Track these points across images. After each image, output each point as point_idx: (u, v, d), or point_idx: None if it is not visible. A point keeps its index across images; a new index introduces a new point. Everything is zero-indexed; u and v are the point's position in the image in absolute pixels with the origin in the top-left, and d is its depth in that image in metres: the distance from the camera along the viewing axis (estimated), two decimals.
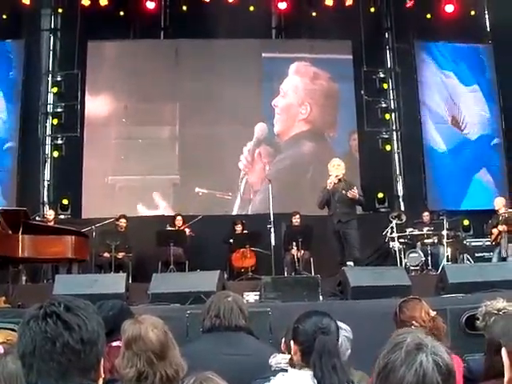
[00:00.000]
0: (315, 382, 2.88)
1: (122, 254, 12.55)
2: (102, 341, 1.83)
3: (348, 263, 9.72)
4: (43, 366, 1.73)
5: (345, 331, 3.67)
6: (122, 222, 13.05)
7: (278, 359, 3.34)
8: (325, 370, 2.85)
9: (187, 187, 14.92)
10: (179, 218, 13.32)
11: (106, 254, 12.37)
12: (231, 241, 13.21)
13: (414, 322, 3.99)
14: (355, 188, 10.32)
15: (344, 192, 10.16)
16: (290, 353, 3.35)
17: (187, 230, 13.06)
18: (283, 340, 3.59)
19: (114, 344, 3.44)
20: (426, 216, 13.35)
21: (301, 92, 15.58)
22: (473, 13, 15.20)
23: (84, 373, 1.76)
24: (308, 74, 15.64)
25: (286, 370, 3.19)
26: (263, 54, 15.71)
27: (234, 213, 14.97)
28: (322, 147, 15.35)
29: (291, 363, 3.21)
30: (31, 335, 1.74)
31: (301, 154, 15.31)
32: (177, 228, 13.21)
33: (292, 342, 3.13)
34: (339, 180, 10.22)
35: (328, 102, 15.57)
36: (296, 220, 13.02)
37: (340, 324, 3.40)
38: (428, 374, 1.72)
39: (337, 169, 10.27)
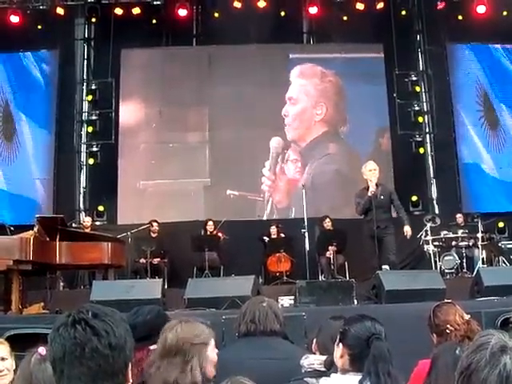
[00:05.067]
0: None
1: (158, 259, 12.67)
2: (130, 346, 1.87)
3: (384, 267, 9.69)
4: (73, 371, 1.78)
5: None
6: (155, 226, 13.15)
7: (311, 360, 3.34)
8: (381, 376, 2.85)
9: (218, 190, 14.99)
10: (210, 222, 13.30)
11: (142, 260, 12.51)
12: (266, 239, 13.25)
13: (448, 325, 3.97)
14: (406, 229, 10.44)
15: (382, 197, 10.17)
16: (321, 353, 3.37)
17: (220, 235, 13.11)
18: (314, 340, 3.60)
19: (152, 347, 3.52)
20: (460, 218, 13.24)
21: (313, 93, 15.56)
22: (505, 13, 15.02)
23: (112, 377, 1.81)
24: (315, 75, 15.61)
25: (320, 372, 3.20)
26: (291, 56, 15.76)
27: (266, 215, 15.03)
28: (341, 146, 15.46)
29: (326, 365, 3.22)
30: (61, 341, 1.79)
31: (323, 156, 15.28)
32: (209, 233, 13.27)
33: (340, 344, 3.11)
34: (376, 185, 10.21)
35: (338, 99, 15.56)
36: (327, 224, 13.02)
37: None
38: (511, 377, 1.72)
39: (374, 174, 10.22)
